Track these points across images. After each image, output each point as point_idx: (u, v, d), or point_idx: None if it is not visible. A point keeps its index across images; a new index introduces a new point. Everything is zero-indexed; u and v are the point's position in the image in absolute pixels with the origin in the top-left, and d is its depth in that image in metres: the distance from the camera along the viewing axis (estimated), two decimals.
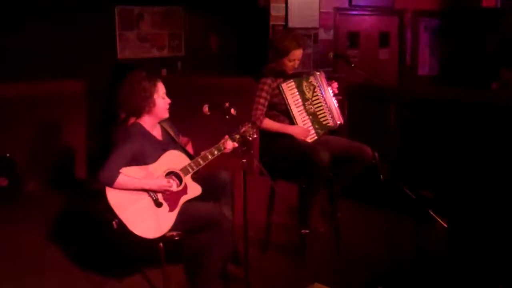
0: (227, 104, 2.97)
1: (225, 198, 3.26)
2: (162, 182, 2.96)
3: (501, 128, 4.03)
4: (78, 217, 4.67)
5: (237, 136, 3.16)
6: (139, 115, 3.07)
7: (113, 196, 2.87)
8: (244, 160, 2.83)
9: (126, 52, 6.08)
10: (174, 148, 3.15)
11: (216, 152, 3.12)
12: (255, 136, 3.18)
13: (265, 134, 3.69)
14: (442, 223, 3.84)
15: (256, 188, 3.67)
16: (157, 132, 3.15)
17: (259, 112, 3.60)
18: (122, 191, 2.89)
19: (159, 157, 3.04)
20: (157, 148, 3.07)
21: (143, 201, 2.94)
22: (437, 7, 8.00)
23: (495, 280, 3.19)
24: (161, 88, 3.08)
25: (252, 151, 2.87)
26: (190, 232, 3.07)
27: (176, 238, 3.05)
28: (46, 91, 5.47)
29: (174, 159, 3.09)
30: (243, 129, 3.17)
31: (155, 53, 6.32)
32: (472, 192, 4.11)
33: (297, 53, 3.62)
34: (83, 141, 5.80)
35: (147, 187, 2.92)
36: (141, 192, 2.94)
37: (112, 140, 4.32)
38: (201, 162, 3.10)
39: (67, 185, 5.51)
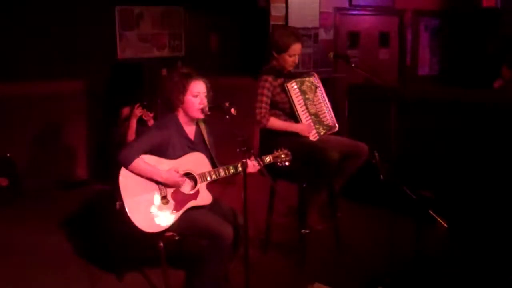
0: (227, 104, 2.96)
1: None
2: (174, 177, 2.93)
3: (501, 128, 4.03)
4: (78, 217, 4.67)
5: (267, 159, 3.16)
6: (172, 109, 3.09)
7: (125, 178, 2.88)
8: (244, 160, 2.83)
9: (126, 52, 6.08)
10: (202, 152, 3.12)
11: (240, 168, 3.02)
12: (286, 164, 3.18)
13: (267, 136, 3.69)
14: (442, 223, 3.85)
15: (256, 188, 3.67)
16: (190, 130, 3.13)
17: (263, 110, 3.60)
18: (136, 177, 2.89)
19: (184, 154, 3.03)
20: (185, 145, 3.06)
21: (151, 193, 2.94)
22: (437, 7, 8.00)
23: (495, 280, 3.19)
24: (194, 87, 3.03)
25: (252, 151, 2.86)
26: (190, 236, 3.07)
27: (176, 238, 3.05)
28: (46, 91, 5.47)
29: (197, 162, 3.07)
30: (277, 153, 3.18)
31: (155, 53, 6.31)
32: (472, 192, 4.11)
33: (297, 48, 3.63)
34: (83, 141, 5.81)
35: (158, 178, 2.91)
36: (152, 184, 2.94)
37: (112, 140, 4.33)
38: (222, 173, 3.06)
39: (67, 185, 5.51)
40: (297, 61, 3.70)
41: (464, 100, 4.37)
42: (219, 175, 3.06)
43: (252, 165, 3.03)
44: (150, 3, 6.18)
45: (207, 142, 3.18)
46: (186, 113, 3.07)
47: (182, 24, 6.46)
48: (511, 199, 3.87)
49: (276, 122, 3.65)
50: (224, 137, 3.27)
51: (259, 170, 3.11)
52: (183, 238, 3.10)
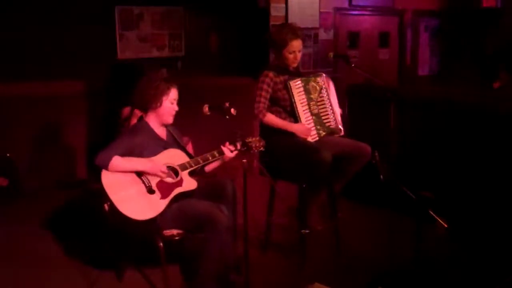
0: (227, 104, 2.98)
1: (227, 204, 3.23)
2: (156, 165, 2.98)
3: (501, 128, 4.03)
4: (78, 217, 4.67)
5: (241, 144, 3.18)
6: (145, 110, 3.17)
7: (107, 178, 2.93)
8: (244, 160, 2.83)
9: (126, 52, 6.08)
10: (176, 148, 3.21)
11: (217, 155, 3.16)
12: (261, 149, 3.20)
13: (266, 134, 3.69)
14: (442, 223, 3.83)
15: (256, 188, 3.67)
16: (161, 132, 3.23)
17: (261, 105, 3.59)
18: (117, 175, 2.94)
19: (158, 153, 3.10)
20: (159, 146, 3.13)
21: (136, 186, 2.98)
22: (437, 7, 8.00)
23: (495, 280, 3.19)
24: (173, 94, 3.14)
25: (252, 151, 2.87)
26: (188, 231, 3.08)
27: (176, 238, 3.05)
28: (46, 91, 5.46)
29: (174, 156, 3.15)
30: (250, 139, 3.20)
31: (155, 53, 6.31)
32: (472, 192, 4.11)
33: (296, 44, 3.61)
34: (83, 141, 5.80)
35: (140, 167, 2.96)
36: (135, 178, 2.99)
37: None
38: (201, 161, 3.15)
39: (67, 185, 5.51)
40: (298, 57, 3.68)
41: (464, 100, 4.37)
42: (198, 163, 3.14)
43: (228, 150, 3.14)
44: (150, 3, 6.18)
45: (178, 140, 3.28)
46: (160, 117, 3.15)
47: (182, 24, 6.46)
48: (511, 200, 3.86)
49: (273, 119, 3.64)
50: (224, 137, 3.27)
51: (259, 170, 3.12)
52: (183, 238, 3.10)
